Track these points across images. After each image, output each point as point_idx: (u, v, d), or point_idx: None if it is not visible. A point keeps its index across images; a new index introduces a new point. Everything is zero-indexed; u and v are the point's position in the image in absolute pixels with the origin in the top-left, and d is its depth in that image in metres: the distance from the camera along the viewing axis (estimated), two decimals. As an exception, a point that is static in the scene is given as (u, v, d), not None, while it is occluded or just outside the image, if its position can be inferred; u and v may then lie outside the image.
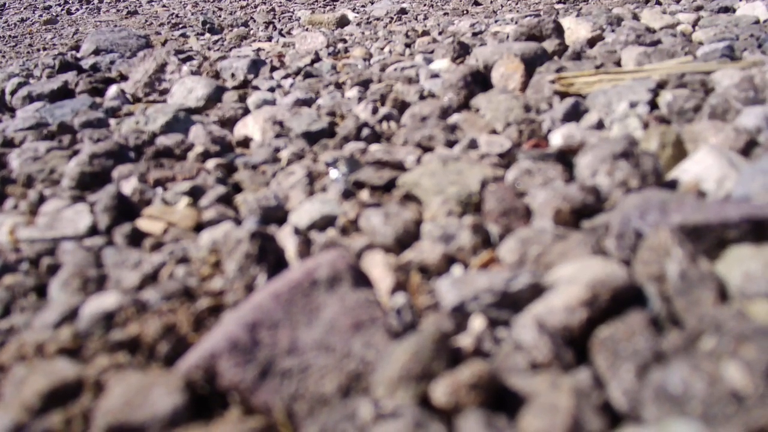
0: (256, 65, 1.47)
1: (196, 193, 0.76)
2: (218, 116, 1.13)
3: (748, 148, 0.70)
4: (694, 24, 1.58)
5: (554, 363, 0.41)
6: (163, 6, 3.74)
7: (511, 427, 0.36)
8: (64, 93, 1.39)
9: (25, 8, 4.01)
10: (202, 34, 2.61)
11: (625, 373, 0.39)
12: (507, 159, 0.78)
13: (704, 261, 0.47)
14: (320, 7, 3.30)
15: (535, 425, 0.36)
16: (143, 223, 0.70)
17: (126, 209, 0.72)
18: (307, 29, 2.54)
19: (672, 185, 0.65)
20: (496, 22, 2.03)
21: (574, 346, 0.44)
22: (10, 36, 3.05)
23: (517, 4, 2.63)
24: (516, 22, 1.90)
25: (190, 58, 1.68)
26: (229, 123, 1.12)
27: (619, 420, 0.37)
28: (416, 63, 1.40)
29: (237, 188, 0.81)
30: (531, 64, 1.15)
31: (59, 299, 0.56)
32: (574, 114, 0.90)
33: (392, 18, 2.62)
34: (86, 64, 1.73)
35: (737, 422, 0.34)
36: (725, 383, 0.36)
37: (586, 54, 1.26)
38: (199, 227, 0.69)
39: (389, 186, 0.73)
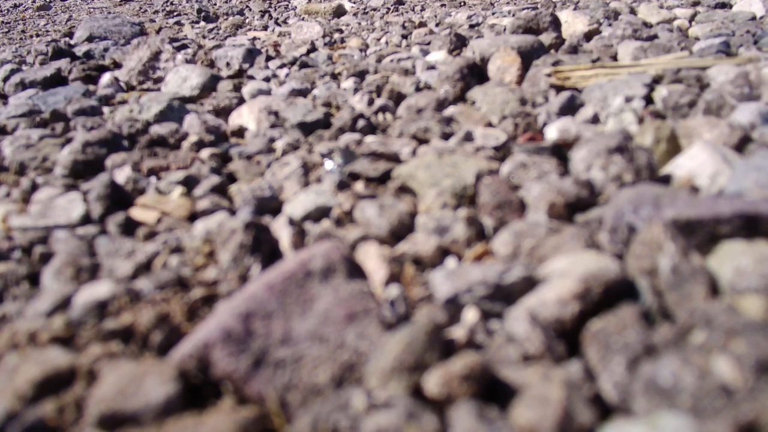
0: (251, 54, 1.46)
1: (190, 183, 0.76)
2: (213, 105, 1.12)
3: (741, 144, 0.70)
4: (691, 19, 1.58)
5: (546, 355, 0.42)
6: (158, -7, 3.70)
7: (503, 418, 0.37)
8: (57, 80, 1.38)
9: (17, -7, 3.96)
10: (197, 23, 2.59)
11: (616, 365, 0.39)
12: (502, 152, 0.78)
13: (696, 256, 0.47)
14: (317, -4, 3.27)
15: (526, 416, 0.36)
16: (137, 213, 0.69)
17: (119, 198, 0.71)
18: (303, 19, 2.53)
19: (666, 180, 0.65)
20: (493, 14, 2.03)
21: (566, 338, 0.44)
22: (2, 22, 3.01)
23: (514, -4, 2.62)
24: (513, 15, 1.90)
25: (184, 47, 1.67)
26: (223, 112, 1.11)
27: (609, 412, 0.38)
28: (413, 54, 1.40)
29: (231, 178, 0.80)
30: (528, 57, 1.15)
31: (52, 288, 0.56)
32: (570, 108, 0.90)
33: (389, 9, 2.60)
34: (79, 51, 1.71)
35: (726, 416, 0.34)
36: (715, 377, 0.36)
37: (583, 48, 1.26)
38: (193, 217, 0.69)
39: (384, 178, 0.73)
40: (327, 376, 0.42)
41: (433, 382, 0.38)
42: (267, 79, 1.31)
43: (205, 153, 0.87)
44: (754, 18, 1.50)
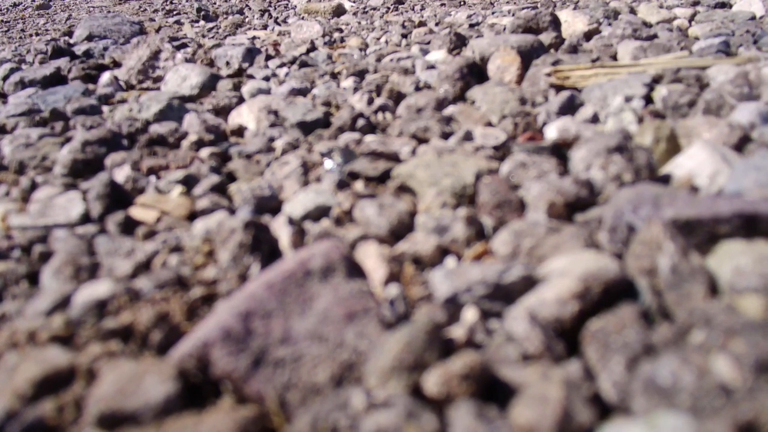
0: (251, 53, 1.46)
1: (189, 182, 0.76)
2: (212, 105, 1.12)
3: (741, 144, 0.70)
4: (691, 19, 1.58)
5: (545, 354, 0.42)
6: (158, -8, 3.70)
7: (502, 418, 0.37)
8: (57, 79, 1.38)
9: (17, -8, 3.96)
10: (197, 22, 2.59)
11: (615, 365, 0.39)
12: (502, 151, 0.78)
13: (695, 255, 0.47)
14: (316, -5, 3.27)
15: (525, 416, 0.36)
16: (136, 212, 0.69)
17: (119, 197, 0.71)
18: (303, 18, 2.53)
19: (665, 180, 0.65)
20: (493, 13, 2.03)
21: (565, 338, 0.44)
22: (2, 21, 3.01)
23: (514, -5, 2.62)
24: (513, 14, 1.90)
25: (184, 46, 1.67)
26: (223, 112, 1.11)
27: (608, 411, 0.38)
28: (412, 54, 1.40)
29: (231, 177, 0.80)
30: (527, 56, 1.15)
31: (51, 287, 0.56)
32: (570, 107, 0.90)
33: (389, 8, 2.60)
34: (79, 50, 1.71)
35: (725, 415, 0.34)
36: (714, 376, 0.36)
37: (583, 47, 1.26)
38: (192, 216, 0.69)
39: (384, 177, 0.73)
40: (326, 376, 0.42)
41: (433, 381, 0.38)
42: (267, 79, 1.31)
43: (204, 152, 0.86)
44: (753, 18, 1.50)
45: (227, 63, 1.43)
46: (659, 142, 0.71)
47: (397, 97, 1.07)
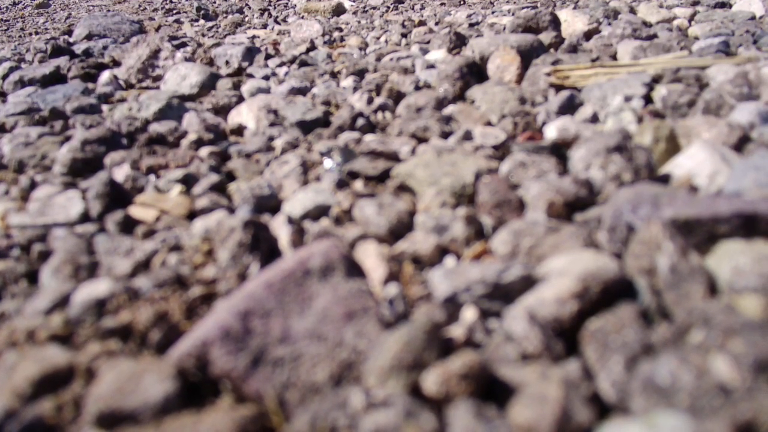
0: (250, 53, 1.46)
1: (189, 181, 0.76)
2: (212, 104, 1.12)
3: (740, 144, 0.70)
4: (691, 19, 1.58)
5: (544, 354, 0.42)
6: (157, -9, 3.69)
7: (501, 417, 0.37)
8: (56, 78, 1.38)
9: (16, -9, 3.95)
10: (197, 21, 2.59)
11: (614, 364, 0.39)
12: (501, 151, 0.78)
13: (695, 255, 0.47)
14: (316, -5, 3.26)
15: (524, 415, 0.36)
16: (135, 211, 0.69)
17: (118, 196, 0.71)
18: (302, 17, 2.53)
19: (665, 179, 0.65)
20: (493, 13, 2.02)
21: (564, 337, 0.44)
22: (1, 20, 3.01)
23: (514, -5, 2.62)
24: (513, 14, 1.90)
25: (184, 45, 1.67)
26: (223, 111, 1.11)
27: (607, 411, 0.38)
28: (412, 53, 1.40)
29: (230, 176, 0.80)
30: (527, 56, 1.15)
31: (50, 286, 0.56)
32: (569, 107, 0.90)
33: (389, 7, 2.60)
34: (79, 49, 1.71)
35: (724, 415, 0.34)
36: (713, 376, 0.36)
37: (583, 47, 1.26)
38: (191, 215, 0.69)
39: (383, 176, 0.73)
40: (325, 375, 0.42)
41: (432, 380, 0.38)
42: (266, 78, 1.31)
43: (204, 151, 0.86)
44: (753, 18, 1.50)
45: (227, 62, 1.43)
46: (659, 141, 0.71)
47: (397, 96, 1.07)
